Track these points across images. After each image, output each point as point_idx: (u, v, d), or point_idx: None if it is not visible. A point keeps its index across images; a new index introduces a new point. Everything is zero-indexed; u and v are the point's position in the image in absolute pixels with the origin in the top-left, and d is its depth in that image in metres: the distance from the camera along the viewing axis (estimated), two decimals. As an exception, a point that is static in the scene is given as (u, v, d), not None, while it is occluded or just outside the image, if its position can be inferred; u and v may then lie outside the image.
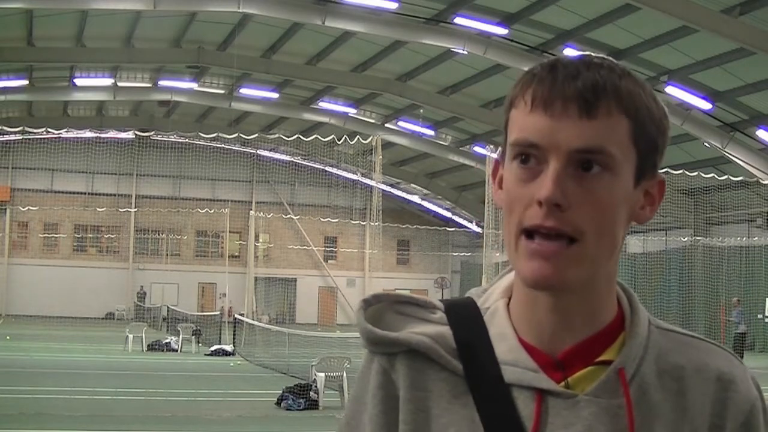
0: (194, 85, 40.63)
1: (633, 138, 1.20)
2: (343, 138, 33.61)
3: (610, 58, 1.24)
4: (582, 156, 1.17)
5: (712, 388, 1.25)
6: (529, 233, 1.18)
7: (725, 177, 31.11)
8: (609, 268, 1.23)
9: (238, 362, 24.08)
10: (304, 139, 34.97)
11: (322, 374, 15.43)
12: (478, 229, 48.52)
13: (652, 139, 1.23)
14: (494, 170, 1.30)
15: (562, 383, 1.22)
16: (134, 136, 40.07)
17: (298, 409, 14.60)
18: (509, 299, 1.30)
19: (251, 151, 51.60)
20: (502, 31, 28.63)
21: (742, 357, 22.66)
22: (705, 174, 30.83)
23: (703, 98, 29.61)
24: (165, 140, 45.27)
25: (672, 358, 1.26)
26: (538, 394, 1.21)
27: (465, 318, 1.29)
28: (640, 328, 1.26)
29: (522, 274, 1.20)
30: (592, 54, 1.24)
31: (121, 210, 50.47)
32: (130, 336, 26.81)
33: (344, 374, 15.46)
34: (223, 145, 45.76)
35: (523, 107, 1.21)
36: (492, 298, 1.31)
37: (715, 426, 1.24)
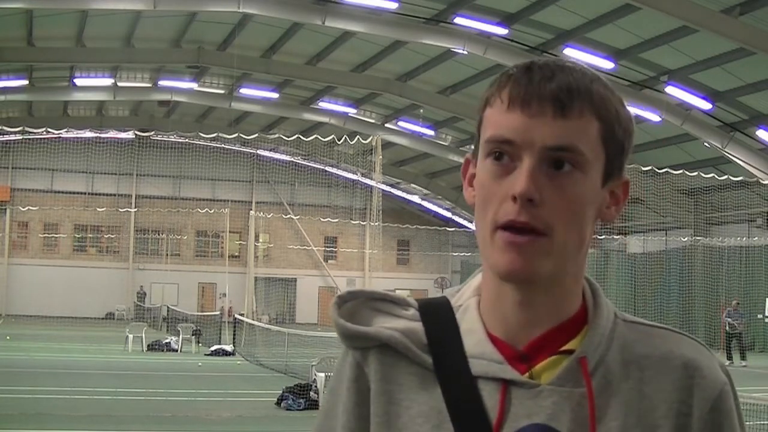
0: (194, 85, 40.62)
1: (603, 139, 1.25)
2: (343, 138, 33.64)
3: (581, 63, 1.29)
4: (555, 154, 1.22)
5: (677, 375, 1.27)
6: (504, 228, 1.23)
7: (725, 177, 31.12)
8: (576, 263, 1.28)
9: (238, 362, 24.08)
10: (304, 139, 35.00)
11: (322, 374, 15.43)
12: (478, 229, 48.45)
13: (619, 141, 1.28)
14: (464, 168, 1.34)
15: (527, 374, 1.26)
16: (134, 136, 40.08)
17: (298, 409, 14.61)
18: (480, 297, 1.34)
19: (251, 151, 51.59)
20: (502, 31, 28.63)
21: (731, 357, 22.54)
22: (705, 174, 30.84)
23: (703, 98, 29.61)
24: (165, 140, 45.25)
25: (637, 349, 1.28)
26: (503, 385, 1.25)
27: (437, 315, 1.33)
28: (602, 319, 1.29)
29: (496, 266, 1.24)
30: (563, 58, 1.28)
31: (121, 210, 50.46)
32: (130, 336, 26.81)
33: (344, 374, 15.43)
34: (223, 145, 45.76)
35: (499, 105, 1.26)
36: (464, 297, 1.36)
37: (682, 413, 1.25)
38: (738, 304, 28.93)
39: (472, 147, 1.33)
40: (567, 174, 1.22)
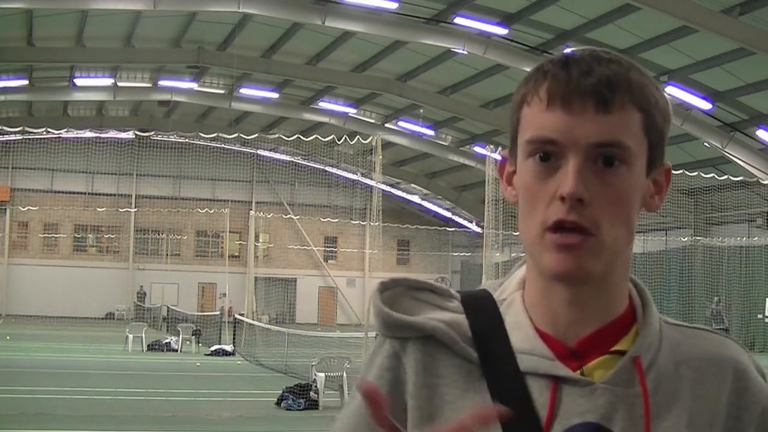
0: (194, 85, 40.62)
1: (645, 129, 1.23)
2: (343, 138, 33.54)
3: (615, 52, 1.26)
4: (600, 150, 1.20)
5: (729, 377, 1.27)
6: (553, 229, 1.20)
7: (725, 177, 31.08)
8: (624, 258, 1.27)
9: (238, 362, 24.06)
10: (304, 139, 34.92)
11: (322, 374, 15.44)
12: (478, 229, 48.50)
13: (660, 128, 1.26)
14: (501, 167, 1.32)
15: (578, 372, 1.23)
16: (134, 136, 40.04)
17: (298, 409, 14.61)
18: (524, 291, 1.31)
19: (251, 151, 51.60)
20: (502, 31, 28.63)
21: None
22: (705, 174, 30.81)
23: (703, 98, 29.61)
24: (165, 140, 45.25)
25: (686, 350, 1.28)
26: (553, 382, 1.22)
27: (481, 308, 1.30)
28: (654, 319, 1.28)
29: (547, 267, 1.21)
30: (598, 48, 1.26)
31: (121, 210, 50.47)
32: (130, 336, 26.82)
33: (344, 374, 15.47)
34: (223, 145, 45.75)
35: (537, 104, 1.22)
36: (508, 290, 1.33)
37: (732, 416, 1.25)
38: (719, 301, 29.21)
39: (509, 146, 1.31)
40: (614, 170, 1.20)
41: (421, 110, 39.37)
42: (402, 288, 1.30)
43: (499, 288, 1.34)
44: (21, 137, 40.89)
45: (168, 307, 39.55)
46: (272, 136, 43.56)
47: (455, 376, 1.25)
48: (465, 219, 54.82)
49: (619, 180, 1.20)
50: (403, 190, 54.75)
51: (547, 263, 1.21)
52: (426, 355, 1.26)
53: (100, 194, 51.24)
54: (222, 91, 41.65)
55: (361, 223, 50.49)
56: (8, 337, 29.11)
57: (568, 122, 1.19)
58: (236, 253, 51.67)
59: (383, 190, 36.54)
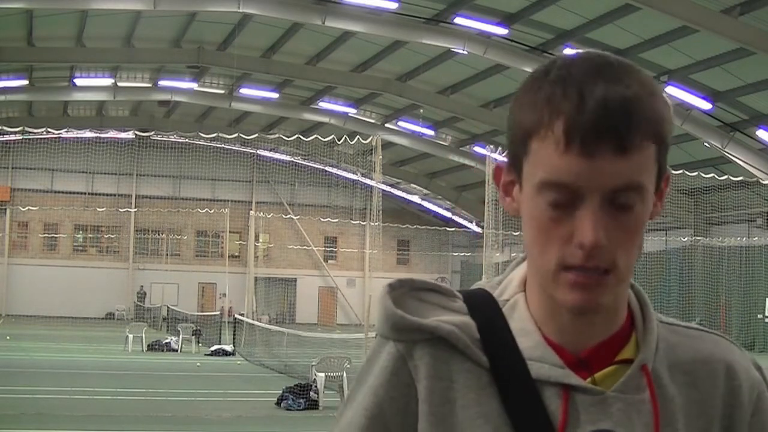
0: (194, 85, 40.62)
1: (657, 158, 1.20)
2: (343, 138, 33.54)
3: (629, 62, 1.19)
4: (617, 194, 1.16)
5: (721, 379, 1.28)
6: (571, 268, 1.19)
7: (725, 177, 31.08)
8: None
9: (238, 362, 24.06)
10: (304, 139, 34.93)
11: (322, 374, 15.45)
12: (478, 229, 48.51)
13: (668, 145, 1.23)
14: (497, 175, 1.28)
15: (588, 380, 1.24)
16: (134, 136, 40.02)
17: (298, 409, 14.62)
18: (526, 293, 1.30)
19: (251, 151, 51.60)
20: (502, 31, 28.63)
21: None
22: (705, 174, 30.81)
23: (703, 98, 29.62)
24: (165, 140, 45.26)
25: (680, 352, 1.29)
26: (564, 391, 1.22)
27: (485, 309, 1.28)
28: (654, 324, 1.29)
29: (561, 301, 1.20)
30: (610, 56, 1.19)
31: (121, 210, 50.47)
32: (130, 336, 26.82)
33: (344, 374, 15.48)
34: (223, 145, 45.75)
35: (552, 144, 1.16)
36: (509, 291, 1.31)
37: (726, 416, 1.28)
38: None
39: (508, 156, 1.26)
40: (629, 209, 1.17)
41: (421, 110, 39.37)
42: (407, 288, 1.27)
43: (498, 287, 1.32)
44: (21, 137, 40.88)
45: (168, 307, 39.56)
46: (272, 136, 43.57)
47: (468, 381, 1.23)
48: (465, 219, 54.82)
49: (634, 218, 1.18)
50: (403, 190, 54.75)
51: (562, 299, 1.20)
52: (437, 359, 1.24)
53: (100, 194, 51.27)
54: (222, 91, 41.65)
55: (361, 223, 50.50)
56: (8, 337, 29.11)
57: (586, 167, 1.15)
58: (236, 253, 51.68)
59: (383, 190, 36.52)
